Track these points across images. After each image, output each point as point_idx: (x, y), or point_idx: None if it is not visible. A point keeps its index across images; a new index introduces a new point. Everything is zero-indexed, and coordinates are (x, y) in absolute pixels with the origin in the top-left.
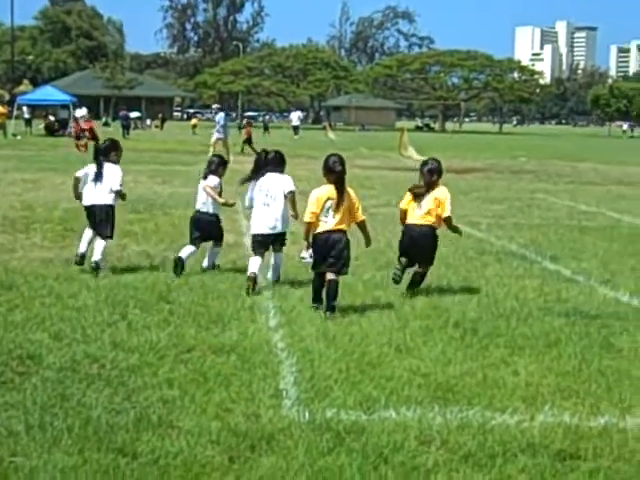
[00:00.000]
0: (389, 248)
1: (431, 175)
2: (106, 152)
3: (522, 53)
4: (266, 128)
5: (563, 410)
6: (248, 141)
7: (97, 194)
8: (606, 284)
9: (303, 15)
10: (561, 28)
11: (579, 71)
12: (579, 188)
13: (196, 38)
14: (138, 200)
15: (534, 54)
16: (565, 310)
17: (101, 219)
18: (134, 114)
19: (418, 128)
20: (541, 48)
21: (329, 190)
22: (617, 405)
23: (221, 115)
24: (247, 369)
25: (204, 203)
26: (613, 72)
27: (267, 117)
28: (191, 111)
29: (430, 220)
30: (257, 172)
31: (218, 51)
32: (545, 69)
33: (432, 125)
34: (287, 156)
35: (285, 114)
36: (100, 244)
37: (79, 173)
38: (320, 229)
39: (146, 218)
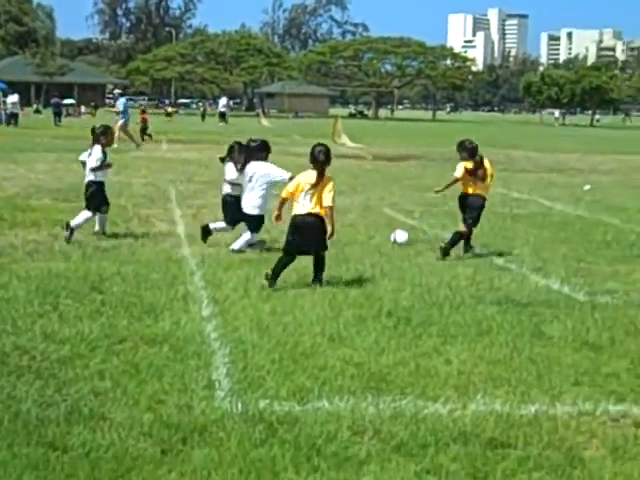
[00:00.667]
0: None
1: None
2: (97, 136)
3: (455, 40)
4: (203, 117)
5: (494, 398)
6: (143, 130)
7: (86, 173)
8: (538, 272)
9: (236, 1)
10: (493, 15)
11: (511, 58)
12: (512, 176)
13: (128, 24)
14: (70, 189)
15: (466, 41)
16: (497, 298)
17: (84, 194)
18: (68, 101)
19: (352, 115)
20: (473, 35)
21: (310, 175)
22: (547, 393)
23: (121, 100)
24: (180, 360)
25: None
26: (544, 59)
27: (203, 105)
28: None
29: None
30: (244, 162)
31: (151, 37)
32: (477, 56)
33: (366, 112)
34: (220, 144)
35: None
36: (82, 213)
37: (82, 157)
38: (297, 211)
39: (78, 207)
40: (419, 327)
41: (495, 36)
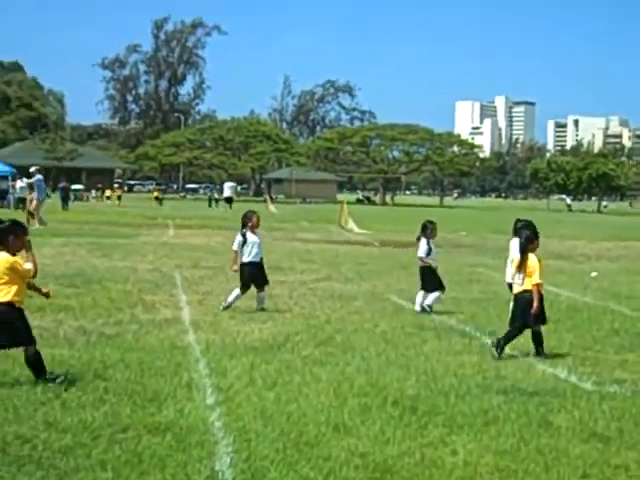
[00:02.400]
0: (328, 324)
1: None
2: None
3: (462, 127)
4: (210, 202)
5: None
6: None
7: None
8: (544, 360)
9: (245, 87)
10: (500, 102)
11: (518, 145)
12: None
13: (137, 110)
14: (76, 274)
15: (474, 128)
16: (504, 387)
17: None
18: (76, 186)
19: (359, 201)
20: (481, 122)
21: None
22: None
23: (37, 177)
24: (183, 450)
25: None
26: (551, 146)
27: (211, 191)
28: (132, 182)
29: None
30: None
31: (159, 123)
32: (485, 143)
33: (373, 198)
34: (227, 229)
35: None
36: None
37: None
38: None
39: (83, 292)
40: (425, 416)
41: (502, 123)
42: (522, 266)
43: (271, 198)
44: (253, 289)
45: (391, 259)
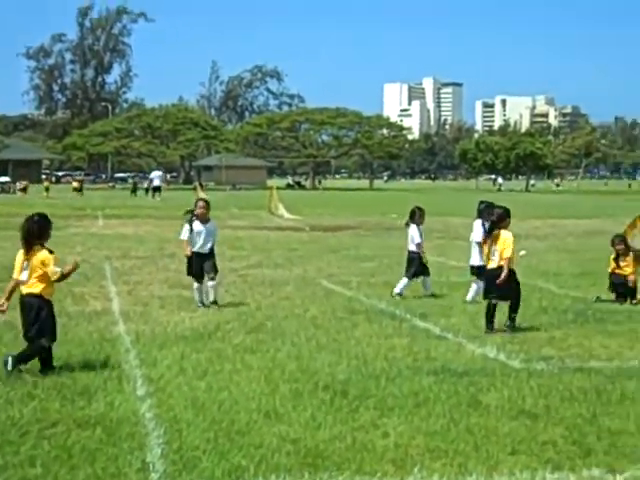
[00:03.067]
0: (259, 311)
1: None
2: None
3: (391, 109)
4: (133, 191)
5: (432, 472)
6: None
7: None
8: (474, 340)
9: (173, 74)
10: (428, 84)
11: (446, 126)
12: (449, 243)
13: (64, 99)
14: (2, 268)
15: (402, 110)
16: (434, 368)
17: None
18: (2, 179)
19: (289, 186)
20: (409, 104)
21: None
22: (485, 463)
23: None
24: (113, 443)
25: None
26: (479, 126)
27: (134, 179)
28: (60, 174)
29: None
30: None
31: (87, 112)
32: (414, 125)
33: (303, 183)
34: (157, 218)
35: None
36: None
37: None
38: None
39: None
40: (356, 400)
41: (431, 104)
42: (495, 243)
43: (201, 185)
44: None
45: (321, 243)
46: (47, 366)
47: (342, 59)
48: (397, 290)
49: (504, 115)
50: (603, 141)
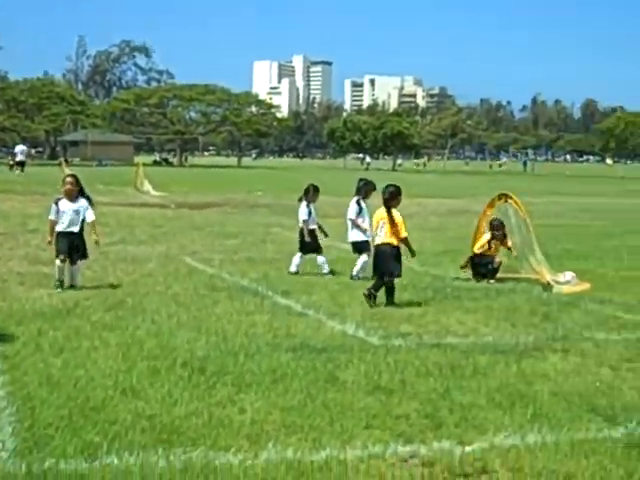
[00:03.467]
0: (120, 288)
1: None
2: None
3: (260, 87)
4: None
5: (287, 446)
6: None
7: None
8: (334, 317)
9: (38, 48)
10: (298, 62)
11: (315, 105)
12: None
13: None
14: None
15: (272, 88)
16: (293, 345)
17: None
18: None
19: (156, 163)
20: (279, 82)
21: None
22: (339, 437)
23: None
24: None
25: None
26: (348, 106)
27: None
28: None
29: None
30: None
31: None
32: (283, 103)
33: (170, 160)
34: (20, 194)
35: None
36: None
37: None
38: None
39: None
40: (213, 377)
41: (300, 83)
42: (385, 221)
43: (66, 161)
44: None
45: (186, 221)
46: None
47: (212, 36)
48: (292, 268)
49: (373, 95)
50: (469, 122)
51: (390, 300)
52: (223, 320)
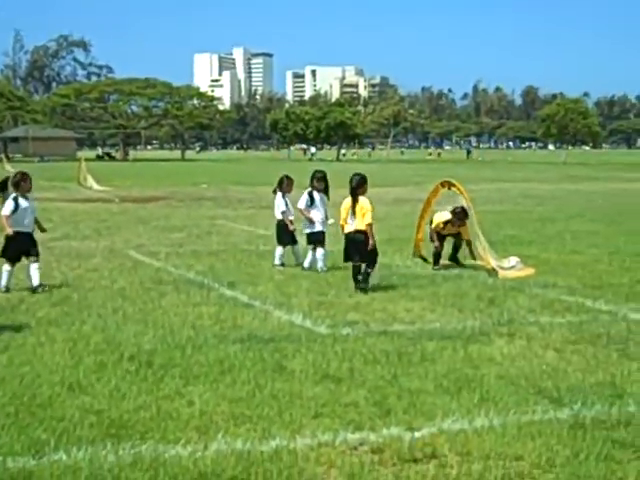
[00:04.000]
0: (65, 283)
1: None
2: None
3: (201, 80)
4: None
5: (236, 437)
6: None
7: None
8: (281, 307)
9: None
10: (238, 54)
11: (257, 96)
12: (259, 213)
13: None
14: None
15: (213, 80)
16: (240, 336)
17: None
18: None
19: (99, 157)
20: (220, 74)
21: None
22: (288, 427)
23: None
24: None
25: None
26: (290, 97)
27: None
28: None
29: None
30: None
31: None
32: (225, 95)
33: (113, 154)
34: None
35: None
36: None
37: None
38: None
39: None
40: (161, 370)
41: (241, 75)
42: (354, 209)
43: (7, 157)
44: None
45: (131, 215)
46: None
47: (151, 30)
48: (276, 261)
49: (314, 85)
50: (411, 111)
51: (361, 286)
52: (170, 313)
